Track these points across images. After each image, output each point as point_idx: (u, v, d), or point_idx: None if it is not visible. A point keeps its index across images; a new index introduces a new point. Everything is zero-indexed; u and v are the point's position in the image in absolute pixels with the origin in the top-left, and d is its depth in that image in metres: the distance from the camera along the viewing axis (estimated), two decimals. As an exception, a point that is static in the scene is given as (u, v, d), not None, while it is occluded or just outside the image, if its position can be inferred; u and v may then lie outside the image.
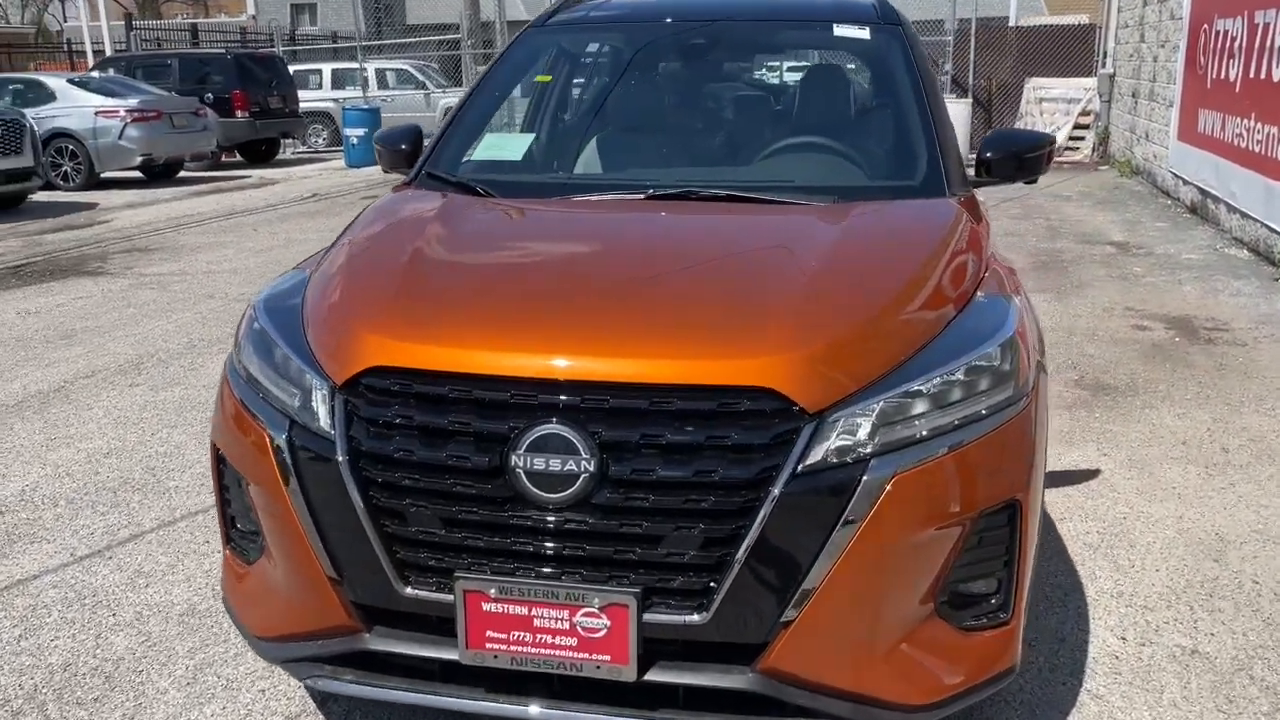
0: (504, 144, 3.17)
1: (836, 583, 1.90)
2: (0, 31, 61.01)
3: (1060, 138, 15.97)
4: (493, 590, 1.94)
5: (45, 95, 14.20)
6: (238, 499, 2.30)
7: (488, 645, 1.97)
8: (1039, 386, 2.27)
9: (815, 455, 1.89)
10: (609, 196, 2.81)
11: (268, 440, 2.11)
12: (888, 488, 1.90)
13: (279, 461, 2.09)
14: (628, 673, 1.94)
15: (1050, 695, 2.62)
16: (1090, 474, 3.98)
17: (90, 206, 12.43)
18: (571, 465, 1.90)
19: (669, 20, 3.51)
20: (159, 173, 14.97)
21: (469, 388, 1.98)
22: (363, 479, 2.00)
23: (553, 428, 1.91)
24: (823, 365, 1.96)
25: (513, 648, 1.97)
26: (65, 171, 13.96)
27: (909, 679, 2.03)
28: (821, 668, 1.96)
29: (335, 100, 19.66)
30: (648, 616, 1.93)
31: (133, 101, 13.95)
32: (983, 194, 3.07)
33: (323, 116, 20.03)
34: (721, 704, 1.98)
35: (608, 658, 1.94)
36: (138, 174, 14.76)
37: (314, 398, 2.09)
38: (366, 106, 17.12)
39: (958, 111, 15.15)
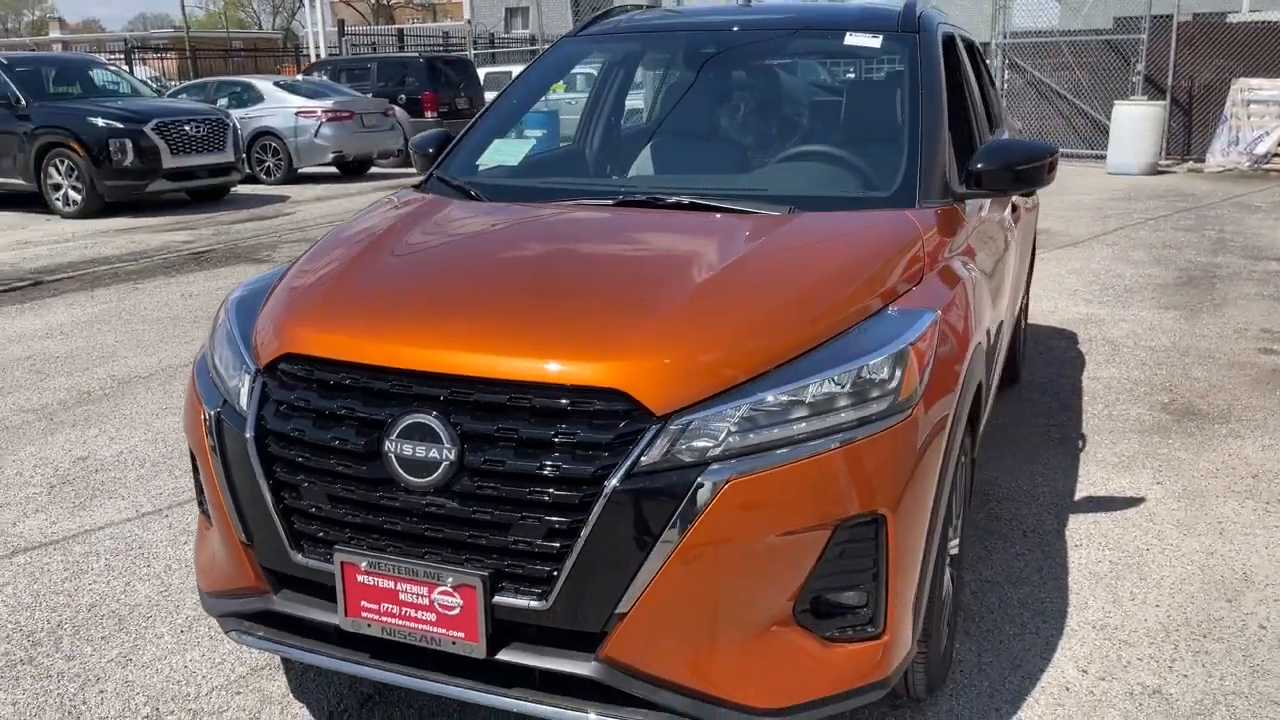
0: (508, 150, 3.34)
1: (669, 580, 1.97)
2: (250, 37, 66.56)
3: (1269, 143, 14.83)
4: (364, 564, 2.12)
5: (255, 96, 15.47)
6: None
7: (363, 614, 2.15)
8: (975, 397, 2.26)
9: (652, 456, 1.97)
10: (578, 203, 2.93)
11: (203, 416, 2.36)
12: (722, 492, 1.95)
13: (209, 435, 2.33)
14: (478, 650, 2.07)
15: (969, 714, 2.57)
16: (1132, 501, 3.79)
17: (282, 199, 13.46)
18: (435, 453, 2.05)
19: (687, 32, 3.59)
20: (351, 168, 16.02)
21: (357, 376, 2.16)
22: (265, 454, 2.21)
23: (420, 417, 2.06)
24: (675, 371, 2.03)
25: (384, 618, 2.13)
26: (268, 166, 15.15)
27: (757, 682, 2.07)
28: (659, 661, 2.03)
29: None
30: (497, 599, 2.05)
31: (328, 102, 14.99)
32: (1156, 203, 3.00)
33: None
34: (569, 689, 2.08)
35: (461, 635, 2.08)
36: (333, 169, 15.85)
37: (242, 380, 2.32)
38: (546, 109, 17.70)
39: (1149, 114, 14.31)
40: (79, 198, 11.89)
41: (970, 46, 4.54)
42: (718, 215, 2.73)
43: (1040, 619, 3.02)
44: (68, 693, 2.70)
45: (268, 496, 2.21)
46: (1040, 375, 5.29)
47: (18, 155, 12.17)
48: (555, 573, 2.01)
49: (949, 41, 3.76)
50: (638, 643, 2.02)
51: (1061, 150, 11.81)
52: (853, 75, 3.61)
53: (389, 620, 2.13)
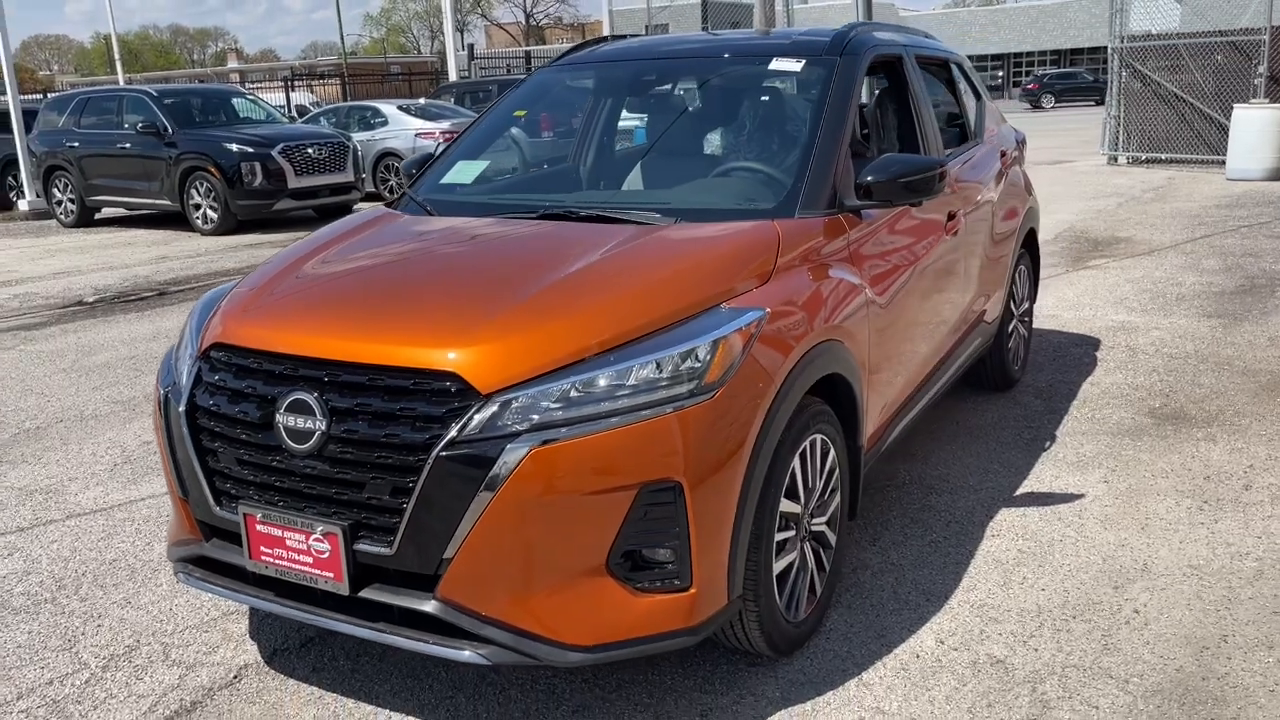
0: (467, 170, 3.79)
1: (485, 531, 2.36)
2: (406, 61, 69.83)
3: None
4: (259, 515, 2.59)
5: (380, 120, 16.51)
6: (166, 440, 3.10)
7: (262, 558, 2.61)
8: (784, 375, 2.63)
9: (474, 427, 2.36)
10: (506, 216, 3.35)
11: (158, 395, 2.89)
12: (528, 458, 2.33)
13: (159, 410, 2.86)
14: (343, 588, 2.51)
15: (820, 674, 2.86)
16: (1068, 497, 3.95)
17: (400, 215, 14.34)
18: (310, 424, 2.50)
19: (635, 61, 3.98)
20: (470, 186, 16.87)
21: (259, 361, 2.64)
22: (194, 425, 2.72)
23: (301, 394, 2.52)
24: (502, 355, 2.43)
25: (276, 561, 2.59)
26: (391, 185, 16.14)
27: (571, 622, 2.43)
28: (484, 601, 2.42)
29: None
30: (358, 546, 2.48)
31: (445, 124, 15.87)
32: (1261, 210, 3.28)
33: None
34: (421, 624, 2.49)
35: (331, 575, 2.52)
36: (452, 187, 16.73)
37: (186, 364, 2.84)
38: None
39: (1270, 117, 13.77)
40: (215, 216, 13.02)
41: (945, 64, 4.76)
42: (610, 225, 3.10)
43: (925, 598, 3.26)
44: (72, 625, 3.28)
45: (195, 460, 2.70)
46: (1041, 380, 5.41)
47: (165, 179, 13.43)
48: (397, 523, 2.43)
49: (892, 63, 4.03)
50: (464, 584, 2.41)
51: (1181, 156, 11.81)
52: (769, 99, 3.90)
53: (279, 563, 2.59)
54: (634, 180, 3.73)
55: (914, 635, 3.05)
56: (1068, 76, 48.68)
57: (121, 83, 31.35)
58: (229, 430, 2.65)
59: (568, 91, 4.39)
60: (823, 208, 3.18)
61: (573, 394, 2.40)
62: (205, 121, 14.02)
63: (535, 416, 2.38)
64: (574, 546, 2.42)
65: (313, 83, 44.73)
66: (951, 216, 4.00)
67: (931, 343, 3.90)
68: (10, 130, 16.23)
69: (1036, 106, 45.91)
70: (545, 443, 2.35)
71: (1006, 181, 4.89)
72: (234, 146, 12.94)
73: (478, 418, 2.37)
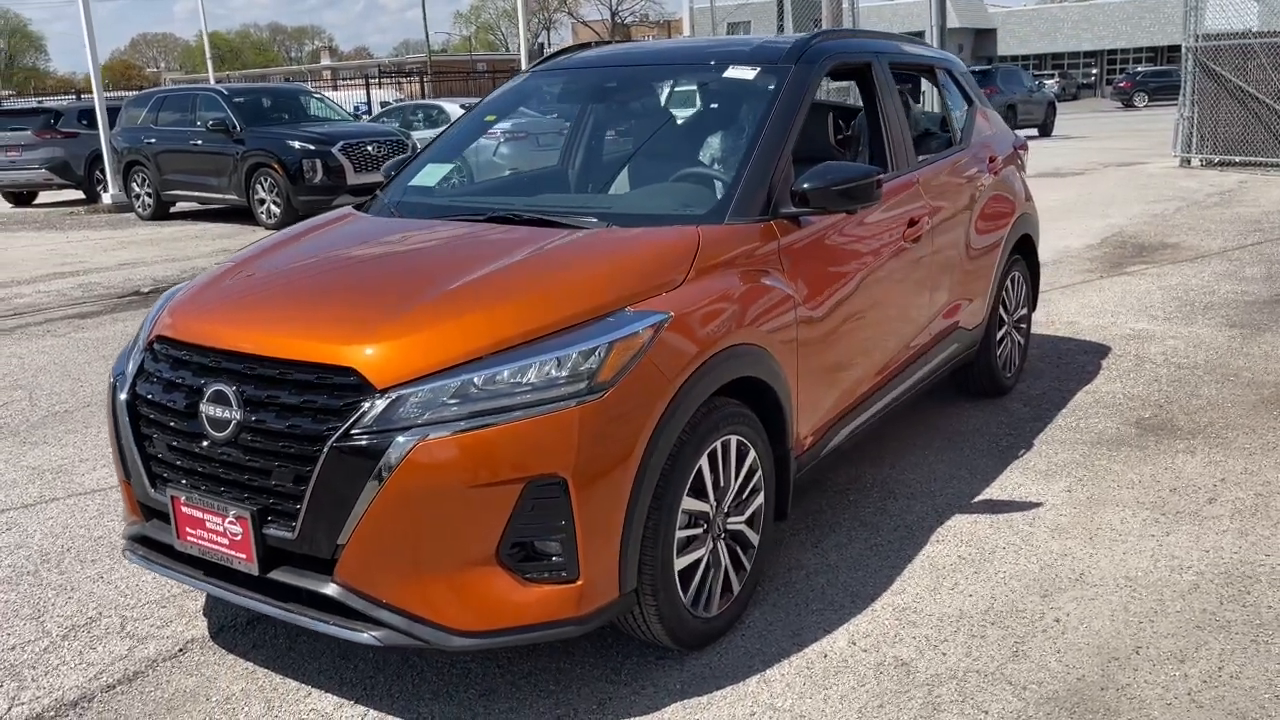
0: (434, 173, 3.94)
1: (375, 519, 2.50)
2: (491, 59, 70.90)
3: None
4: (184, 497, 2.77)
5: (444, 117, 16.87)
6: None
7: (187, 538, 2.80)
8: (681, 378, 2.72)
9: (366, 421, 2.51)
10: (454, 218, 3.49)
11: (110, 381, 3.10)
12: (414, 451, 2.46)
13: (110, 395, 3.06)
14: (253, 569, 2.67)
15: (725, 669, 2.93)
16: (1024, 505, 3.95)
17: (457, 212, 14.65)
18: (227, 414, 2.67)
19: (598, 69, 4.10)
20: (530, 183, 17.15)
21: (190, 354, 2.82)
22: (134, 412, 2.91)
23: (221, 385, 2.70)
24: (399, 353, 2.56)
25: (199, 542, 2.77)
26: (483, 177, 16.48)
27: (460, 608, 2.56)
28: (377, 585, 2.56)
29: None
30: (267, 530, 2.64)
31: (506, 124, 16.09)
32: None
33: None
34: (324, 605, 2.64)
35: (244, 556, 2.68)
36: (514, 184, 17.01)
37: (135, 355, 3.04)
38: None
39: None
40: (278, 211, 13.47)
41: (930, 69, 4.77)
42: (543, 229, 3.21)
43: (851, 600, 3.31)
44: (45, 596, 3.52)
45: (134, 445, 2.90)
46: (1036, 388, 5.37)
47: (232, 174, 13.93)
48: (298, 509, 2.58)
49: (860, 70, 4.07)
50: (359, 569, 2.56)
51: (1257, 159, 11.47)
52: (722, 107, 3.97)
53: (201, 543, 2.76)
54: (588, 184, 3.84)
55: (828, 635, 3.10)
56: (1162, 74, 47.13)
57: (211, 81, 32.44)
58: (162, 417, 2.83)
59: (541, 97, 4.52)
60: (755, 214, 3.25)
61: (465, 391, 2.52)
62: (273, 119, 14.50)
63: (428, 412, 2.50)
64: (463, 536, 2.54)
65: (400, 80, 45.75)
66: (913, 222, 4.03)
67: (886, 350, 3.93)
68: (100, 128, 16.99)
69: (1129, 105, 44.65)
70: (433, 437, 2.48)
71: (993, 187, 4.87)
72: (296, 144, 13.36)
73: (372, 412, 2.51)
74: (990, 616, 3.17)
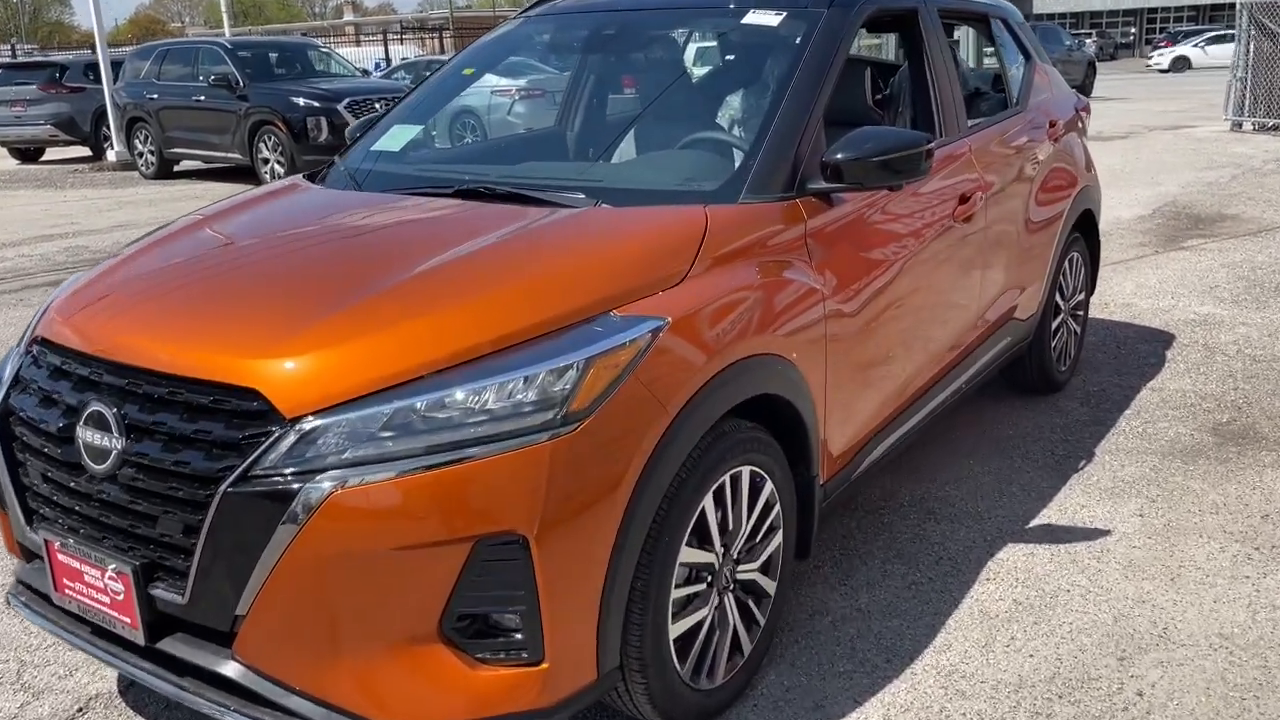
0: (401, 135, 3.35)
1: (280, 586, 1.95)
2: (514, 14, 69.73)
3: None
4: (59, 542, 2.22)
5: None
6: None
7: (65, 591, 2.25)
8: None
9: (272, 459, 1.95)
10: (412, 191, 2.91)
11: (-14, 394, 2.54)
12: (330, 500, 1.91)
13: (-14, 412, 2.50)
14: (139, 637, 2.13)
15: (727, 760, 2.38)
16: (1090, 534, 3.36)
17: (469, 173, 14.05)
18: (107, 441, 2.12)
19: (595, 14, 3.47)
20: (547, 144, 16.50)
21: (69, 361, 2.26)
22: (6, 429, 2.36)
23: (99, 405, 2.14)
24: (315, 371, 2.00)
25: (78, 597, 2.23)
26: (465, 143, 15.85)
27: (394, 698, 2.01)
28: (287, 667, 2.01)
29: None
30: (153, 590, 2.10)
31: (523, 81, 15.45)
32: None
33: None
34: (224, 685, 2.10)
35: (128, 621, 2.14)
36: (530, 144, 16.37)
37: (13, 357, 2.48)
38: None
39: None
40: (282, 171, 12.90)
41: (984, 18, 4.14)
42: (517, 207, 2.63)
43: (887, 658, 2.74)
44: (-63, 633, 3.00)
45: (5, 470, 2.35)
46: (1094, 383, 4.76)
47: (235, 132, 13.36)
48: (189, 567, 2.03)
49: (905, 17, 3.45)
50: (263, 645, 2.01)
51: None
52: (741, 60, 3.35)
53: (80, 598, 2.22)
54: (579, 151, 3.25)
55: (858, 708, 2.55)
56: (1203, 33, 45.65)
57: (228, 35, 31.85)
58: (35, 440, 2.29)
59: (532, 48, 3.91)
60: (777, 191, 2.65)
61: (403, 421, 1.96)
62: (277, 75, 13.90)
63: (353, 448, 1.94)
64: (395, 608, 1.99)
65: (423, 35, 44.82)
66: (965, 199, 3.41)
67: (931, 351, 3.33)
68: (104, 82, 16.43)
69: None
70: (357, 482, 1.92)
71: (1054, 156, 4.23)
72: (300, 100, 12.77)
73: (279, 447, 1.95)
74: (1057, 686, 2.60)
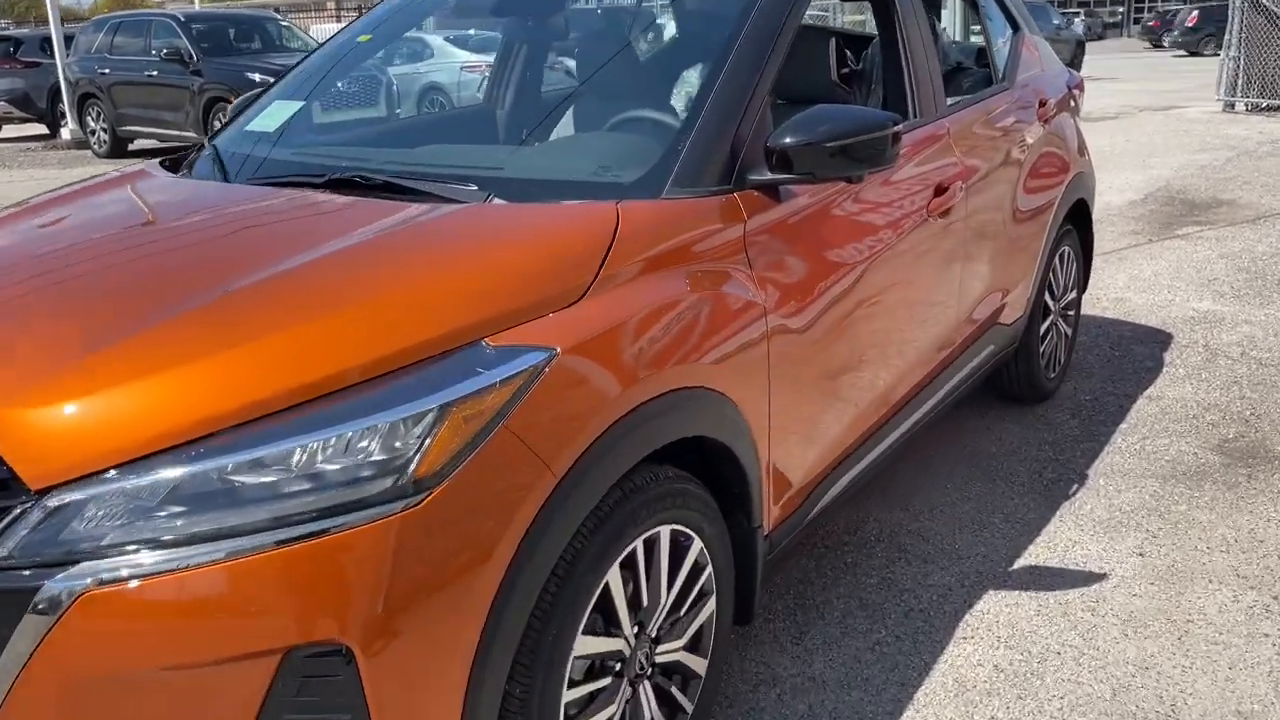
0: (278, 114, 2.86)
1: (20, 716, 1.48)
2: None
3: None
4: None
5: (428, 53, 15.59)
6: None
7: None
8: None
9: (7, 545, 1.47)
10: (271, 181, 2.42)
11: None
12: (85, 599, 1.43)
13: None
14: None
15: None
16: (1085, 579, 2.91)
17: (436, 153, 13.50)
18: None
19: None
20: (519, 122, 15.95)
21: None
22: None
23: None
24: (74, 426, 1.52)
25: None
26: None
27: None
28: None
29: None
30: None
31: (491, 57, 14.88)
32: None
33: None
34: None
35: None
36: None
37: None
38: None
39: None
40: (237, 151, 12.33)
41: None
42: (387, 201, 2.14)
43: (843, 742, 2.29)
44: None
45: None
46: (1085, 391, 4.30)
47: (189, 109, 12.78)
48: None
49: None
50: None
51: None
52: (680, 25, 2.87)
53: None
54: (489, 133, 2.77)
55: (805, 816, 2.09)
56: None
57: (198, 6, 31.05)
58: None
59: (443, 10, 3.41)
60: (710, 183, 2.17)
61: (188, 492, 1.49)
62: (234, 49, 13.31)
63: (119, 530, 1.47)
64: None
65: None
66: (941, 190, 2.93)
67: (901, 367, 2.87)
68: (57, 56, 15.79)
69: (1157, 46, 42.73)
70: (122, 575, 1.44)
71: (1044, 139, 3.76)
72: (256, 77, 12.17)
73: (19, 527, 1.47)
74: (1045, 785, 2.15)
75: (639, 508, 1.87)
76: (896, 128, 2.25)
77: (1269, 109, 14.24)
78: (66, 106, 15.52)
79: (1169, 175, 9.53)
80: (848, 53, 3.88)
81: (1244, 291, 5.70)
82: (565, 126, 2.61)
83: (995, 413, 4.09)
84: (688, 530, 2.03)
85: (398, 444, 1.53)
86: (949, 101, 3.26)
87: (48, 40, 16.71)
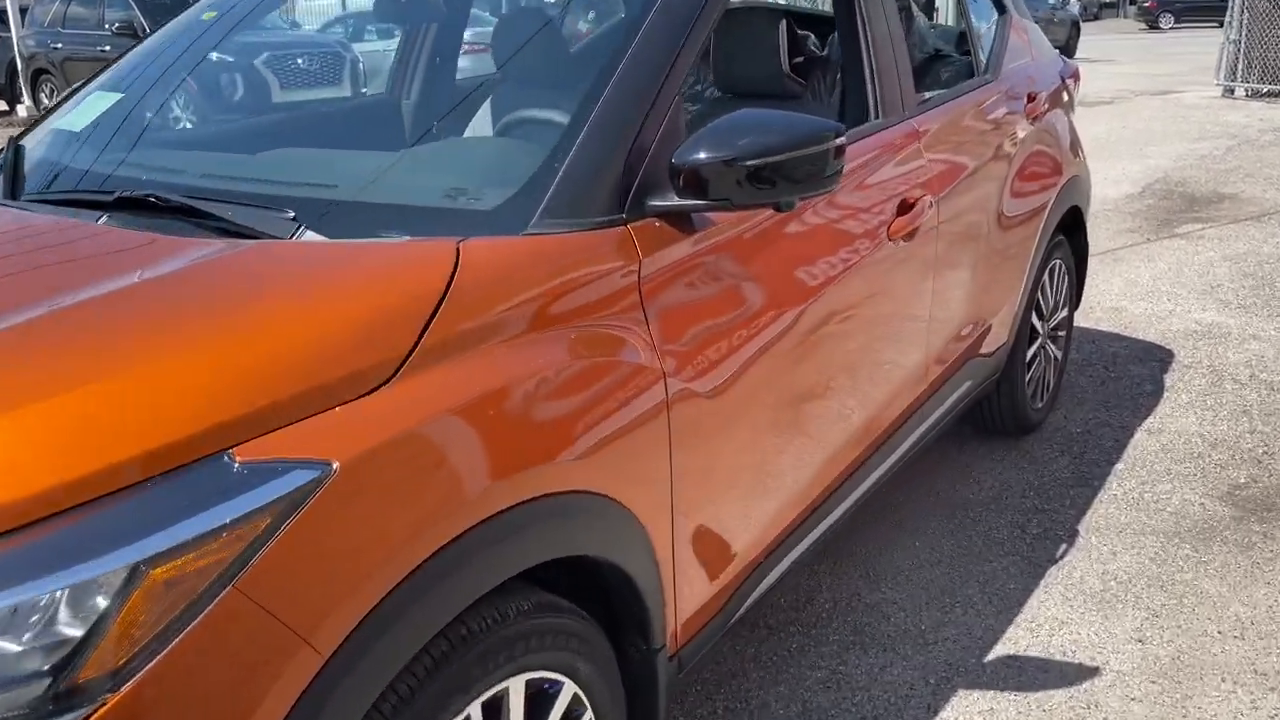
0: (89, 109, 2.35)
1: None
2: (487, -36, 67.95)
3: None
4: None
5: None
6: None
7: None
8: None
9: None
10: (45, 196, 1.92)
11: None
12: None
13: None
14: None
15: None
16: (1075, 673, 2.43)
17: (403, 135, 12.94)
18: None
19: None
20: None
21: None
22: None
23: None
24: None
25: None
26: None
27: None
28: None
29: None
30: None
31: (467, 34, 14.29)
32: None
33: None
34: None
35: None
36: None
37: None
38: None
39: None
40: (193, 131, 11.76)
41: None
42: (165, 236, 1.63)
43: None
44: None
45: None
46: (1075, 422, 3.82)
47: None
48: None
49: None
50: None
51: None
52: (564, 6, 2.37)
53: None
54: (346, 136, 2.26)
55: None
56: (1190, -8, 44.57)
57: (173, -19, 30.28)
58: None
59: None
60: (596, 212, 1.67)
61: None
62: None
63: None
64: None
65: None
66: (906, 207, 2.43)
67: (850, 424, 2.37)
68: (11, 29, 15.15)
69: (1153, 27, 42.11)
70: None
71: (1033, 139, 3.26)
72: (213, 55, 11.58)
73: None
74: None
75: (473, 663, 1.38)
76: (839, 140, 1.75)
77: (1270, 95, 13.73)
78: (22, 82, 14.89)
79: (1167, 165, 9.03)
80: (812, 36, 3.38)
81: (1250, 300, 5.21)
82: (429, 133, 2.11)
83: (974, 448, 3.60)
84: (555, 676, 1.55)
85: (60, 628, 1.04)
86: (924, 97, 2.76)
87: (4, 13, 16.07)
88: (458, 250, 1.49)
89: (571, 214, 1.64)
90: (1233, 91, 14.10)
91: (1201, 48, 19.06)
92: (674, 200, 1.73)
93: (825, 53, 3.31)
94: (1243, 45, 13.82)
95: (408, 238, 1.61)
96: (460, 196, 1.74)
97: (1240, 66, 13.95)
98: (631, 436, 1.61)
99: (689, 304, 1.77)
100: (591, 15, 2.40)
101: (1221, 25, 14.31)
